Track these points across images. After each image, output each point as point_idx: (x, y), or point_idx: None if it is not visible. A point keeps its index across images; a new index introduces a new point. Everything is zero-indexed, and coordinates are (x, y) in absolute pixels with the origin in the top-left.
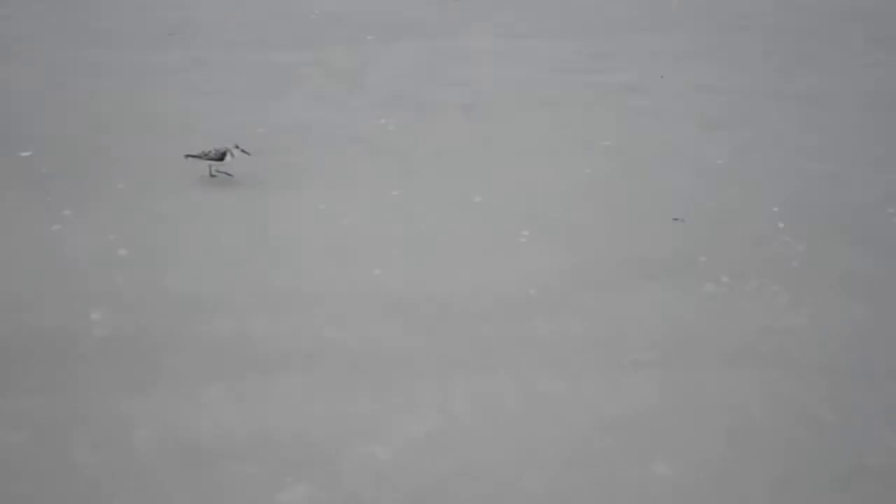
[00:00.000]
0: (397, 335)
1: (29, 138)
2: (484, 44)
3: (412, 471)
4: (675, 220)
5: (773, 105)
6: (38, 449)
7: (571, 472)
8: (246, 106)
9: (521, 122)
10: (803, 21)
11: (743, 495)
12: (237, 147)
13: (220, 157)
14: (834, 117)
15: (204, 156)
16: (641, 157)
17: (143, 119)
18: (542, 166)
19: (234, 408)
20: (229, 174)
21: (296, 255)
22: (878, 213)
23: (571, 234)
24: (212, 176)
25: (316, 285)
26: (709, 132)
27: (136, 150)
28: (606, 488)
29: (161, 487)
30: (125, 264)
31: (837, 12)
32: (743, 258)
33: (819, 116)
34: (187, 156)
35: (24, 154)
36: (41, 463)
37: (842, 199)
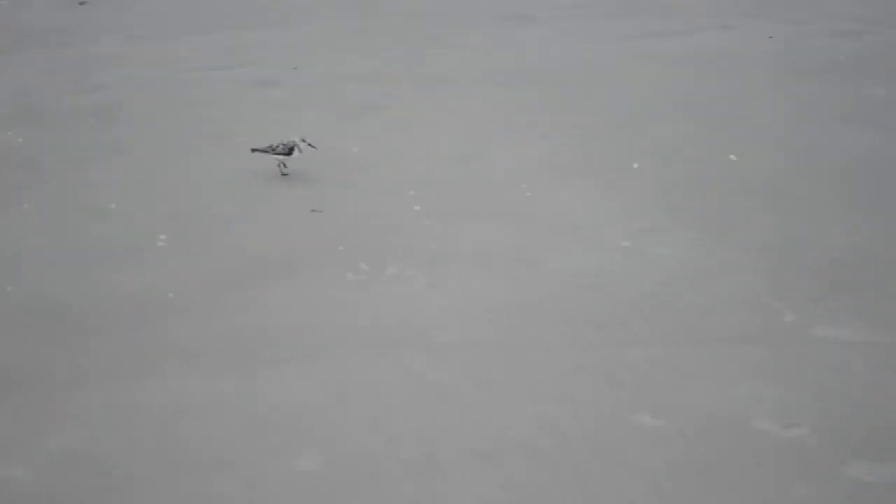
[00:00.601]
0: (32, 351)
1: None
2: (114, 48)
3: (53, 491)
4: (314, 211)
5: (406, 89)
6: None
7: (220, 474)
8: None
9: (156, 124)
10: (434, 3)
11: (386, 480)
12: (304, 141)
13: (288, 151)
14: (467, 97)
15: (271, 150)
16: None
17: None
18: (179, 167)
19: None
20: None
21: None
22: (513, 189)
23: (210, 233)
24: (283, 174)
25: None
26: (345, 120)
27: None
28: (254, 488)
29: None
30: None
31: None
32: (382, 245)
33: (452, 97)
34: (253, 150)
35: None
36: None
37: (477, 178)
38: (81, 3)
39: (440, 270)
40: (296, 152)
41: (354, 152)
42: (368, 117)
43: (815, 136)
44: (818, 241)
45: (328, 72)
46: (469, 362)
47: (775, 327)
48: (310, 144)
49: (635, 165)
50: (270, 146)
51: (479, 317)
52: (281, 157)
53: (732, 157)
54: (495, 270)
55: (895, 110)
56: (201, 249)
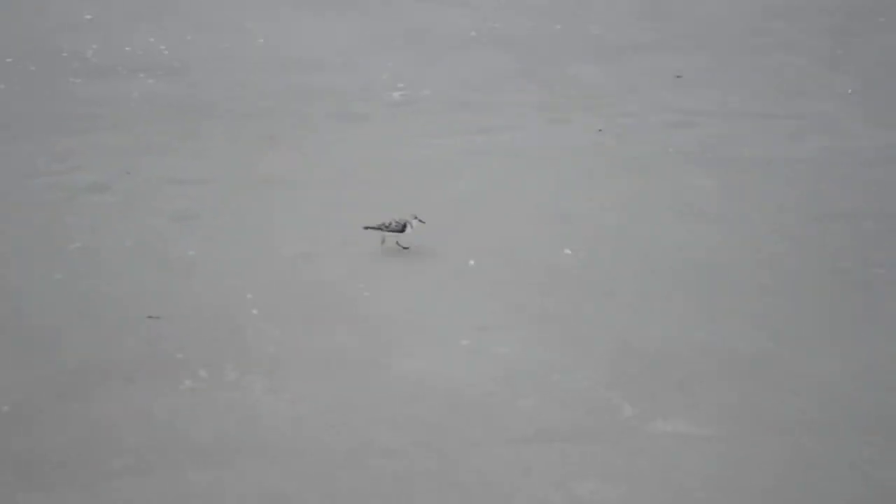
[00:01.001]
0: None
1: None
2: None
3: None
4: (150, 317)
5: (240, 192)
6: None
7: None
8: None
9: None
10: (263, 103)
11: None
12: (416, 218)
13: (401, 228)
14: (301, 199)
15: (384, 227)
16: (112, 257)
17: None
18: (10, 273)
19: None
20: (405, 247)
21: None
22: (350, 290)
23: (45, 342)
24: (403, 248)
25: None
26: (179, 224)
27: None
28: None
29: None
30: None
31: (298, 92)
32: (220, 350)
33: (286, 199)
34: (366, 227)
35: None
36: None
37: (314, 279)
38: None
39: (280, 375)
40: (408, 229)
41: (190, 255)
42: (201, 220)
43: (646, 229)
44: (652, 334)
45: (161, 175)
46: (312, 471)
47: (614, 423)
48: (420, 221)
49: (471, 262)
50: (383, 224)
51: (320, 423)
52: (393, 234)
53: (567, 251)
54: (335, 374)
55: (725, 201)
56: (37, 359)
